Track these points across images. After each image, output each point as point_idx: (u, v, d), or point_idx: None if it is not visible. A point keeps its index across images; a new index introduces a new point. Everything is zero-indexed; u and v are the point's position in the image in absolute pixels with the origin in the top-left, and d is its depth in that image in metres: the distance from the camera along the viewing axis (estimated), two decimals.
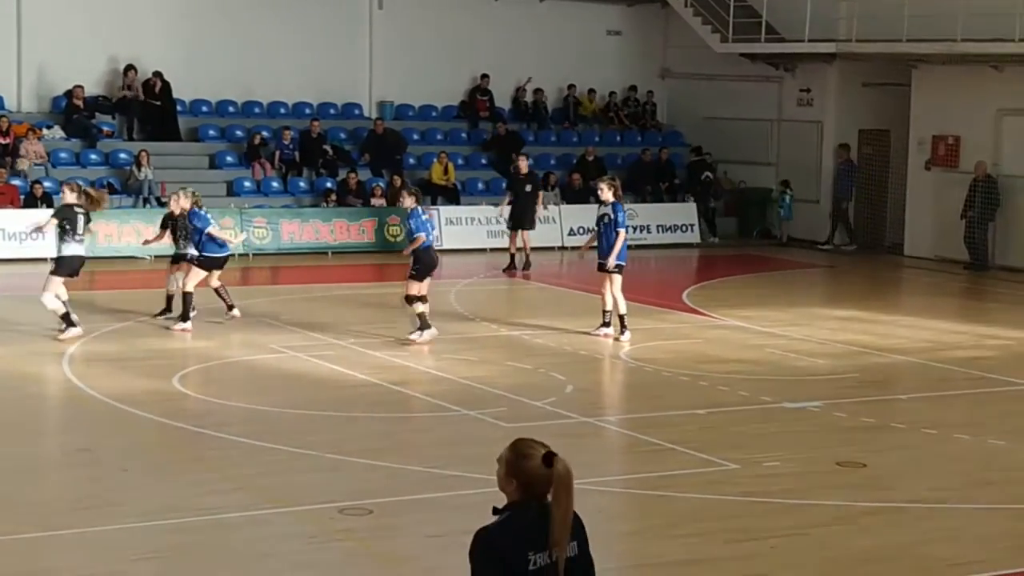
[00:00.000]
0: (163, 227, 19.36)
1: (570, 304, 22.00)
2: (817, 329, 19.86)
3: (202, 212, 18.92)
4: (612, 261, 18.08)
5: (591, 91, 33.78)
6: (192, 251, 18.73)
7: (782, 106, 31.89)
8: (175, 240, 19.18)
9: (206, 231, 18.64)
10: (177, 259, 19.25)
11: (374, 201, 28.79)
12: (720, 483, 11.73)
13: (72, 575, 9.39)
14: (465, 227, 28.79)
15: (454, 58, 32.18)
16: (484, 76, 32.39)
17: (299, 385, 15.49)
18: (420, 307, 17.85)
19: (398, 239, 28.04)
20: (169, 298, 19.27)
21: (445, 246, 28.26)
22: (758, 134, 31.94)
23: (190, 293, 18.46)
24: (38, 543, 10.00)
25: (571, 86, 33.44)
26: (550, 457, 5.38)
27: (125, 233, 25.90)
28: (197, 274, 18.64)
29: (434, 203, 29.47)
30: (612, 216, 18.04)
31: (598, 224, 18.41)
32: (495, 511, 5.44)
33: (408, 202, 18.39)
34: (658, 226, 30.10)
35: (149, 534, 10.31)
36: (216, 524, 10.53)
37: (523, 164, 26.52)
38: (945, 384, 16.47)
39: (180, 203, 18.91)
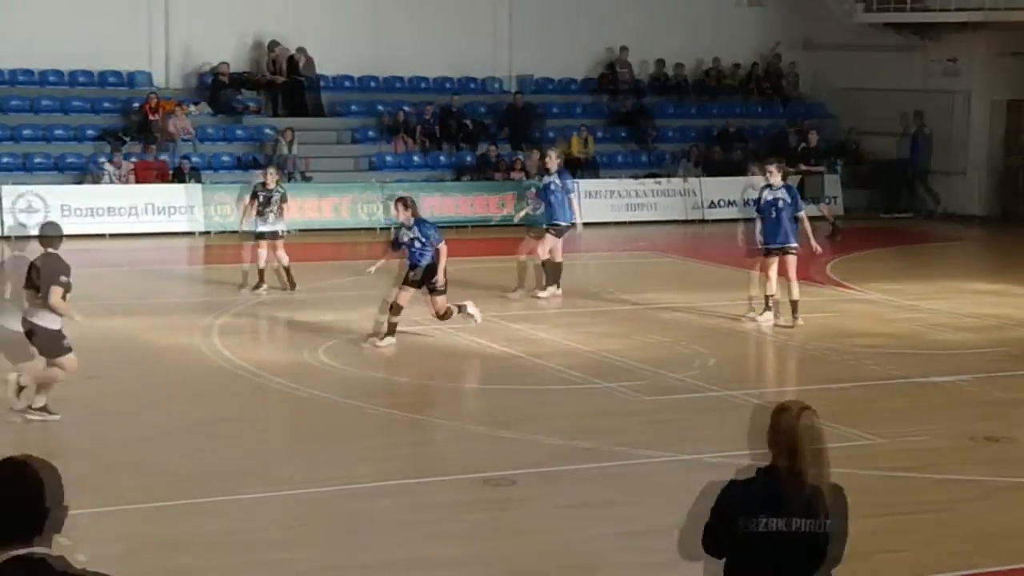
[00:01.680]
0: (252, 199, 19.65)
1: (709, 277, 21.91)
2: (962, 302, 19.54)
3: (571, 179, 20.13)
4: (792, 243, 17.32)
5: (734, 64, 33.47)
6: (278, 227, 19.04)
7: (923, 76, 31.29)
8: (261, 215, 19.34)
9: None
10: (264, 236, 19.37)
11: (514, 175, 28.91)
12: (864, 457, 11.63)
13: (224, 541, 9.64)
14: (604, 200, 28.77)
15: (592, 31, 32.11)
16: (623, 48, 32.29)
17: (441, 357, 15.67)
18: (396, 317, 16.29)
19: (537, 212, 28.14)
20: (261, 272, 19.40)
21: (584, 219, 28.30)
22: (900, 105, 31.37)
23: (558, 263, 19.43)
24: (190, 510, 10.29)
25: (715, 59, 33.16)
26: (801, 411, 5.35)
27: None
28: (549, 241, 19.48)
29: (573, 176, 29.44)
30: (788, 200, 17.30)
31: (766, 208, 17.39)
32: (756, 471, 5.44)
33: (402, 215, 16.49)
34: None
35: (297, 502, 10.56)
36: (361, 493, 10.72)
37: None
38: None
39: (269, 177, 19.46)
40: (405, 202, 16.51)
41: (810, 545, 5.32)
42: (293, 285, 19.42)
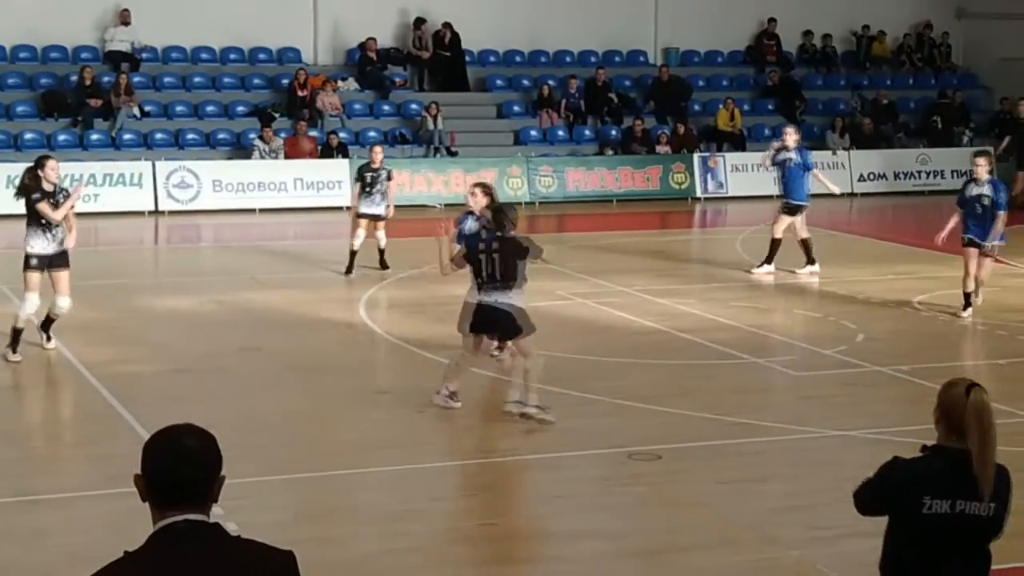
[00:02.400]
0: (358, 180, 19.14)
1: (859, 252, 21.58)
2: None
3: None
4: (991, 242, 16.32)
5: (882, 32, 32.87)
6: (381, 209, 18.76)
7: None
8: (368, 195, 18.89)
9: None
10: (366, 216, 18.95)
11: (659, 148, 28.76)
12: (1019, 435, 11.37)
13: (374, 512, 9.76)
14: (751, 174, 28.46)
15: (740, 3, 31.78)
16: (771, 20, 31.90)
17: (587, 331, 15.66)
18: None
19: (683, 186, 28.03)
20: (353, 254, 18.96)
21: (731, 193, 28.10)
22: None
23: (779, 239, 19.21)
24: (343, 480, 10.43)
25: (865, 27, 32.59)
26: (971, 388, 5.23)
27: (416, 182, 26.58)
28: (784, 220, 19.20)
29: (719, 150, 29.26)
30: (993, 197, 16.15)
31: (971, 203, 16.24)
32: (923, 449, 5.33)
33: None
34: (952, 171, 29.17)
35: (445, 474, 10.66)
36: (510, 466, 10.79)
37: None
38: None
39: (376, 156, 19.03)
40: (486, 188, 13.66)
41: (974, 528, 5.20)
42: (385, 266, 19.12)
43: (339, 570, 8.42)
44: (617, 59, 31.63)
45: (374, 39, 29.43)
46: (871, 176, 28.49)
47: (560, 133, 29.47)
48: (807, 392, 13.10)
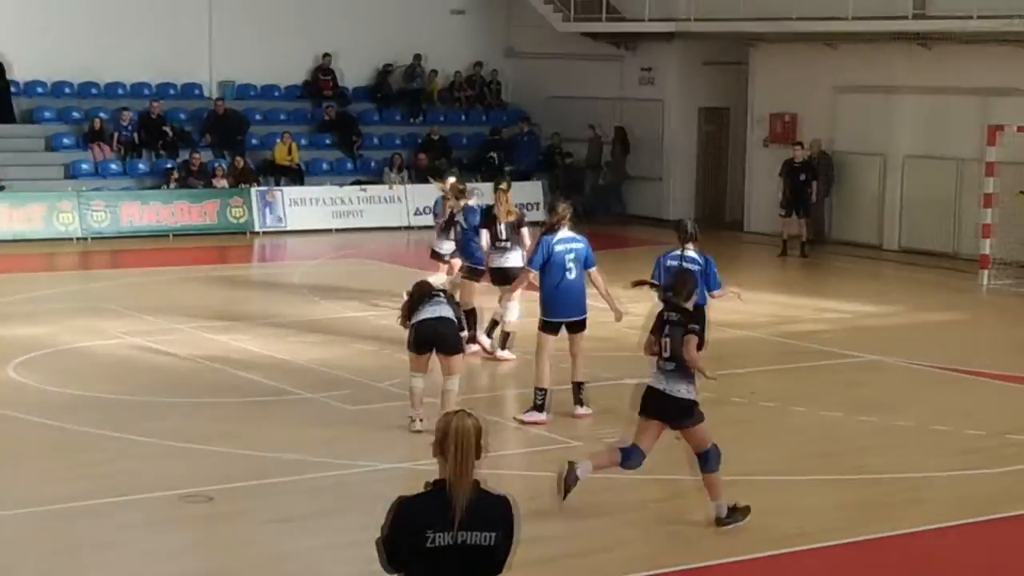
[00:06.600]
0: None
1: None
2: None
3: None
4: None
5: (433, 71, 33.61)
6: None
7: (624, 85, 32.15)
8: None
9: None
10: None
11: (216, 182, 28.42)
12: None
13: None
14: (310, 208, 28.58)
15: (297, 37, 31.82)
16: (326, 55, 32.15)
17: (140, 371, 15.26)
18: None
19: (241, 220, 27.78)
20: None
21: (290, 227, 28.08)
22: (602, 113, 32.14)
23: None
24: None
25: (420, 63, 33.24)
26: (458, 415, 5.35)
27: None
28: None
29: (277, 184, 29.21)
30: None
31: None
32: (426, 484, 5.40)
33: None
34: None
35: None
36: (57, 514, 10.34)
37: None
38: (784, 357, 16.79)
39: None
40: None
41: (480, 558, 5.31)
42: None
43: None
44: (172, 91, 31.06)
45: None
46: (426, 210, 29.06)
47: (113, 167, 28.66)
48: (363, 426, 13.18)
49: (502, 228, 15.98)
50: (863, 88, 27.30)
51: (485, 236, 16.13)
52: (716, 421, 13.40)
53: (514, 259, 15.82)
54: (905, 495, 11.45)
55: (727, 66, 30.44)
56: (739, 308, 14.34)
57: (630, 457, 10.21)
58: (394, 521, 5.35)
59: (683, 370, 9.94)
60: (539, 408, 13.25)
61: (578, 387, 13.51)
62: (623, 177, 31.73)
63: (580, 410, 13.49)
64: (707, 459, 10.11)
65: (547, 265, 13.23)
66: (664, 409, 10.03)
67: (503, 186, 16.52)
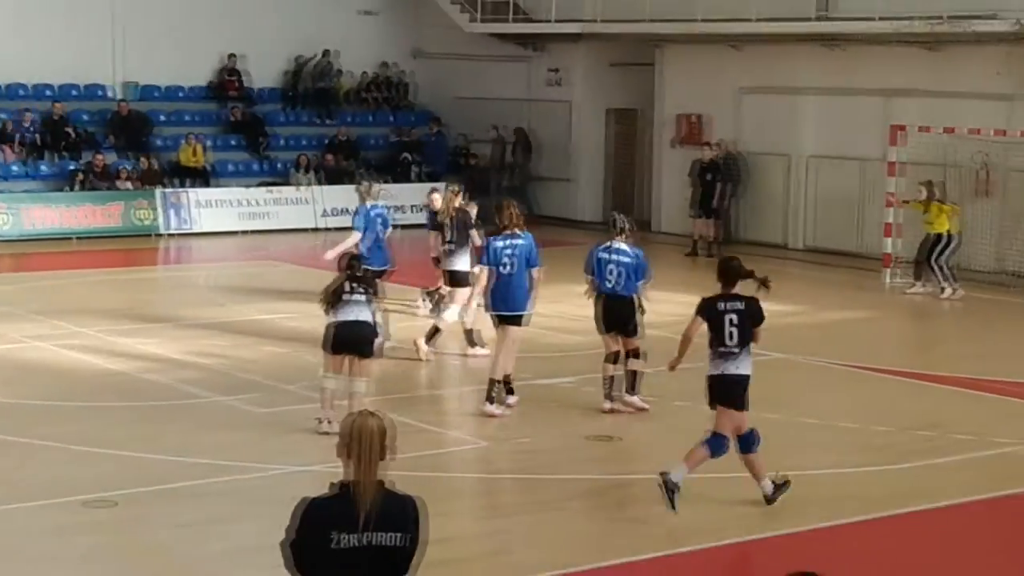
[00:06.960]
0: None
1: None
2: (568, 306, 20.11)
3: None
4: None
5: (339, 71, 33.39)
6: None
7: (532, 86, 32.20)
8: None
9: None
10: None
11: (120, 184, 28.06)
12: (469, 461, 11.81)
13: None
14: (217, 209, 28.32)
15: (202, 38, 31.49)
16: (231, 56, 31.86)
17: (43, 375, 15.03)
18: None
19: (147, 222, 27.45)
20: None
21: (196, 229, 27.79)
22: (510, 114, 32.17)
23: None
24: None
25: (328, 63, 33.01)
26: (362, 415, 5.34)
27: None
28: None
29: (183, 185, 28.92)
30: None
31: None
32: (331, 485, 5.36)
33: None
34: (412, 205, 29.91)
35: None
36: None
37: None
38: (693, 357, 16.80)
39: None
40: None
41: (389, 559, 5.29)
42: None
43: None
44: (75, 92, 30.62)
45: None
46: (335, 211, 28.90)
47: (15, 168, 28.22)
48: (272, 429, 13.06)
49: (449, 230, 16.46)
50: (768, 89, 27.56)
51: (434, 238, 16.97)
52: (628, 420, 13.55)
53: (461, 262, 16.15)
54: (805, 492, 11.51)
55: (635, 67, 30.58)
56: (648, 307, 14.38)
57: (720, 447, 10.72)
58: (299, 523, 5.31)
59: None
60: (491, 400, 13.42)
61: (493, 384, 13.51)
62: (528, 178, 31.84)
63: (490, 407, 13.47)
64: (748, 441, 10.70)
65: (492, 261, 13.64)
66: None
67: (454, 188, 17.10)
